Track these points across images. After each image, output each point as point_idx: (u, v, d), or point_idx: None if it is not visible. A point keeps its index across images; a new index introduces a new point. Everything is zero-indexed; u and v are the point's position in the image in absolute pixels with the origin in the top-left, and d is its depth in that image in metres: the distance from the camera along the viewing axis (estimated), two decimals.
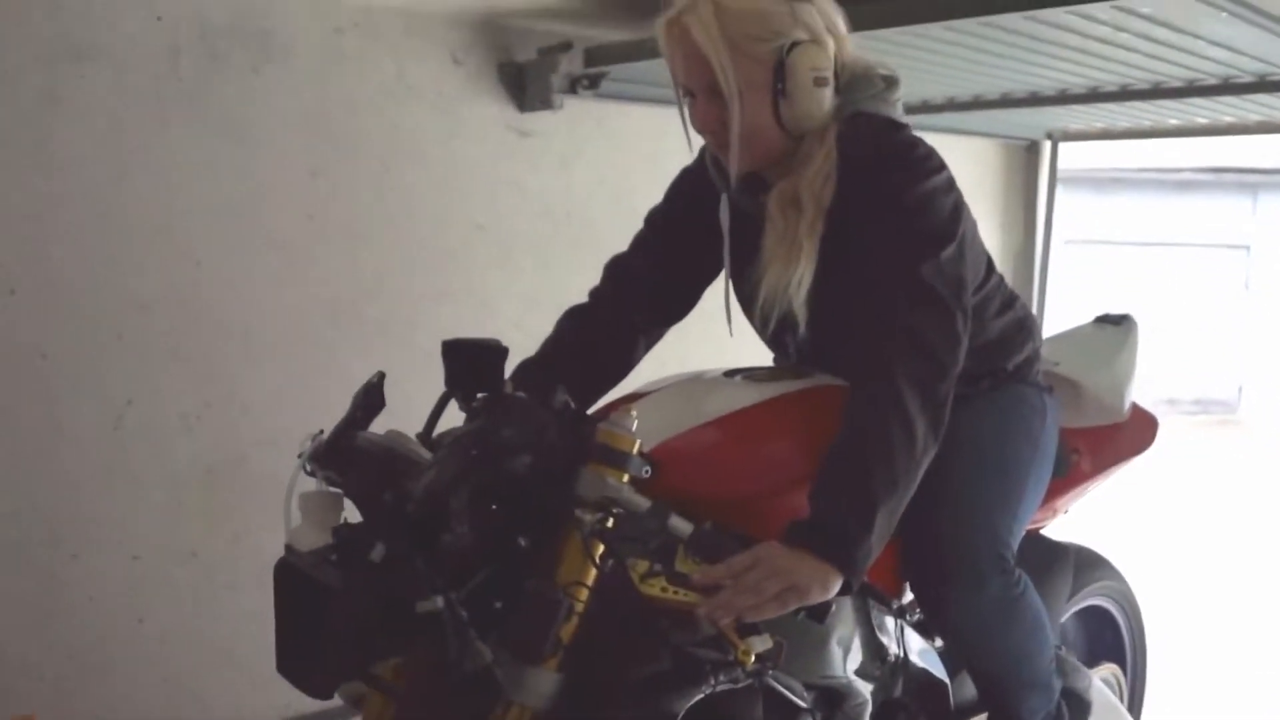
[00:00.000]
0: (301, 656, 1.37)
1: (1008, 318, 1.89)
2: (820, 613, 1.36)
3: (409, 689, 1.44)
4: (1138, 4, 2.23)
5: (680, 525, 1.36)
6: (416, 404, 1.57)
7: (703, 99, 1.62)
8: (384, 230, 2.78)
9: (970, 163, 4.24)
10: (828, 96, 1.62)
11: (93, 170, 2.37)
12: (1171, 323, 9.41)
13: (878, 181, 1.61)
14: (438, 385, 1.51)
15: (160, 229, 2.48)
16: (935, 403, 1.51)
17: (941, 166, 1.65)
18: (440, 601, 1.29)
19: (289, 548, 1.41)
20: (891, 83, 1.71)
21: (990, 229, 4.33)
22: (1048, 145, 4.35)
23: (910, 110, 3.72)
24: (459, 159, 2.87)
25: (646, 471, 1.44)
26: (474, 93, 2.86)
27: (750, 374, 1.79)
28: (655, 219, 1.90)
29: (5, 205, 2.29)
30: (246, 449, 2.62)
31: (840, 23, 1.66)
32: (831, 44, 1.62)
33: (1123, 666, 2.41)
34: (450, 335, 1.49)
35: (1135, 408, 2.31)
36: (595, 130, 3.11)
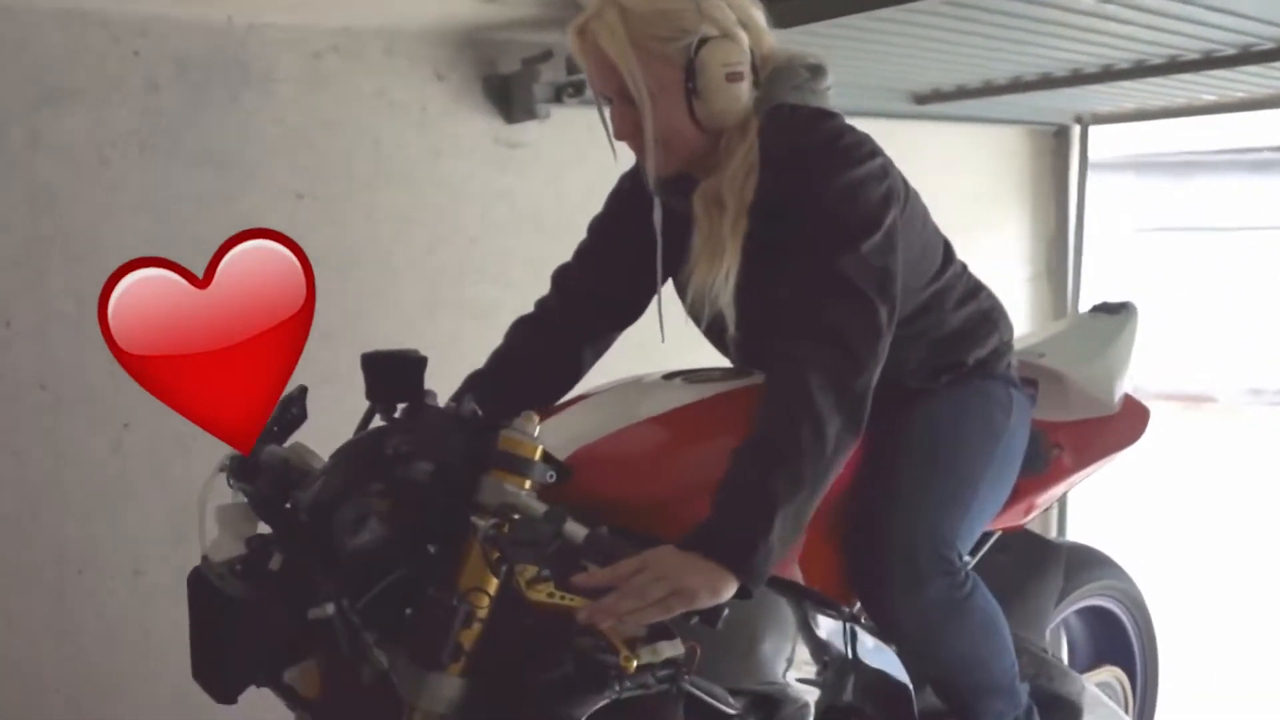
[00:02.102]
0: (212, 664, 1.41)
1: (969, 309, 1.84)
2: (712, 617, 1.33)
3: (324, 693, 1.46)
4: None
5: (575, 530, 1.34)
6: None
7: (618, 104, 1.62)
8: (375, 249, 2.80)
9: (994, 151, 4.13)
10: (744, 91, 1.60)
11: (81, 207, 2.42)
12: (1253, 310, 9.06)
13: (801, 173, 1.58)
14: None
15: None
16: (851, 399, 1.46)
17: (872, 154, 1.61)
18: (331, 609, 1.31)
19: (204, 559, 1.44)
20: (818, 71, 1.68)
21: (1020, 218, 4.22)
22: (1077, 129, 4.22)
23: (921, 100, 3.68)
24: (448, 174, 2.88)
25: (551, 477, 1.43)
26: (459, 108, 2.86)
27: (690, 375, 1.78)
28: (595, 226, 1.89)
29: None
30: None
31: (757, 15, 1.63)
32: (745, 37, 1.60)
33: (1128, 669, 2.30)
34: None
35: (1127, 399, 2.23)
36: (584, 137, 3.06)
